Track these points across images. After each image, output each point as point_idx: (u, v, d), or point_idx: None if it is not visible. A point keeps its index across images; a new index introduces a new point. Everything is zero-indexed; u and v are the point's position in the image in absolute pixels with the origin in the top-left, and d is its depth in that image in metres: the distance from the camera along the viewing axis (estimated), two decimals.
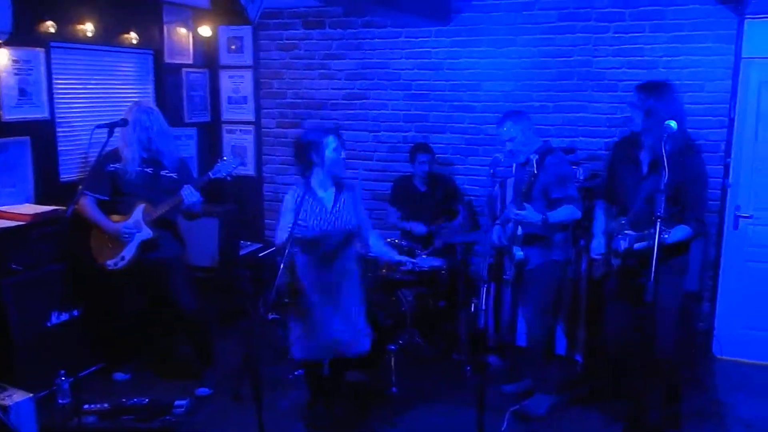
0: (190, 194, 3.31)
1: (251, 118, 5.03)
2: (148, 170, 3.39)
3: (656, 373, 2.94)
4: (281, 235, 2.92)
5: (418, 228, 4.18)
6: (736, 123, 3.94)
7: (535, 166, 3.01)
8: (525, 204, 3.07)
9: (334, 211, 3.00)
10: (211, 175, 3.38)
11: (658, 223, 2.39)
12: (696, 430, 3.20)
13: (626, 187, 2.93)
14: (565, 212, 3.13)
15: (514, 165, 3.51)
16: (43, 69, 3.70)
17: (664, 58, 3.99)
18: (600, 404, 3.40)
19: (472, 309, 3.98)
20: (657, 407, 2.99)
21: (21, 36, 3.51)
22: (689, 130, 3.87)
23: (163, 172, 3.42)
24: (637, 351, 2.95)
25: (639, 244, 2.74)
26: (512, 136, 3.23)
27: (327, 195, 3.02)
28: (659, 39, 3.98)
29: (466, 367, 3.83)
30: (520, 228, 3.19)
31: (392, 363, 3.61)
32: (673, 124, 2.56)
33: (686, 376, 3.71)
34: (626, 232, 2.80)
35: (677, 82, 3.91)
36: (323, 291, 3.00)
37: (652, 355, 2.89)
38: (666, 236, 2.47)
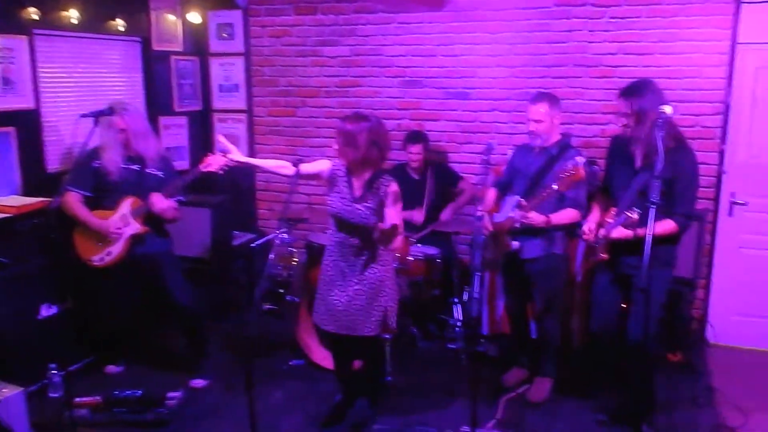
0: (158, 201, 3.26)
1: (243, 106, 4.95)
2: (134, 167, 3.35)
3: (636, 361, 2.93)
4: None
5: (417, 216, 4.15)
6: (731, 109, 3.92)
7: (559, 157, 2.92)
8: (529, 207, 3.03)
9: (356, 201, 2.87)
10: (201, 168, 3.31)
11: (653, 210, 2.36)
12: (689, 417, 3.21)
13: (620, 182, 2.93)
14: (569, 216, 3.12)
15: (513, 151, 3.47)
16: (26, 57, 3.62)
17: (660, 44, 3.95)
18: (592, 391, 3.41)
19: (465, 297, 3.97)
20: (638, 395, 3.01)
21: (2, 23, 3.43)
22: (685, 117, 3.93)
23: (148, 170, 3.37)
24: (621, 339, 2.96)
25: (616, 231, 2.76)
26: (541, 119, 3.16)
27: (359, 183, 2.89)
28: (655, 24, 3.93)
29: (460, 356, 3.83)
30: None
31: (386, 352, 3.60)
32: (668, 109, 2.54)
33: (679, 363, 3.73)
34: (608, 220, 2.84)
35: (673, 68, 3.94)
36: (335, 271, 2.94)
37: (632, 343, 2.89)
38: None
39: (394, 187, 2.83)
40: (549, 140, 3.21)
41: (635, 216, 2.65)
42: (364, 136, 2.74)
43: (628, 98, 2.78)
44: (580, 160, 2.86)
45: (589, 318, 3.69)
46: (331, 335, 3.02)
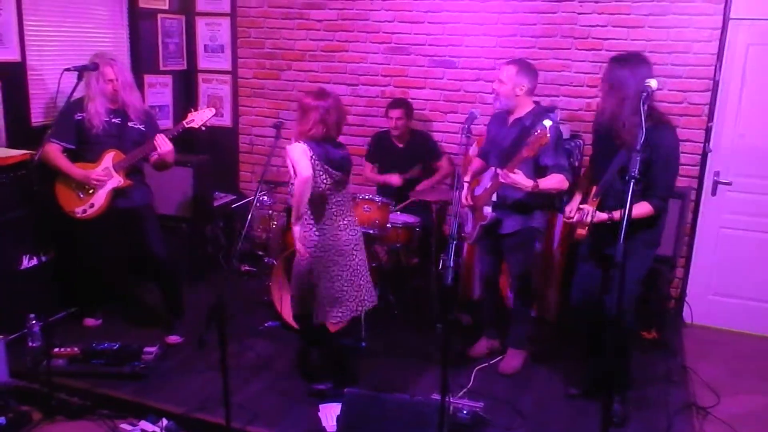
0: (163, 143, 3.26)
1: (228, 67, 4.91)
2: (116, 121, 3.34)
3: (613, 336, 2.90)
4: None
5: (394, 179, 4.13)
6: (720, 86, 3.85)
7: (546, 129, 2.80)
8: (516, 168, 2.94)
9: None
10: (185, 124, 3.35)
11: (632, 183, 2.27)
12: (662, 394, 3.19)
13: (602, 158, 2.87)
14: (556, 180, 3.02)
15: (489, 120, 3.42)
16: (13, 8, 3.59)
17: (651, 17, 3.87)
18: (566, 364, 3.40)
19: (440, 266, 3.96)
20: (613, 370, 2.97)
21: None
22: (672, 93, 3.87)
23: (130, 124, 3.37)
24: (600, 314, 2.93)
25: (598, 216, 2.71)
26: (504, 81, 3.07)
27: None
28: None
29: (436, 324, 3.84)
30: (495, 195, 3.14)
31: (362, 318, 3.61)
32: (653, 83, 2.43)
33: (654, 341, 3.70)
34: (581, 207, 2.78)
35: (663, 42, 3.87)
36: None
37: (609, 318, 2.86)
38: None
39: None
40: (521, 110, 3.13)
41: (603, 215, 2.68)
42: (316, 114, 2.71)
43: (610, 64, 2.71)
44: (548, 123, 2.78)
45: (564, 292, 3.70)
46: None
